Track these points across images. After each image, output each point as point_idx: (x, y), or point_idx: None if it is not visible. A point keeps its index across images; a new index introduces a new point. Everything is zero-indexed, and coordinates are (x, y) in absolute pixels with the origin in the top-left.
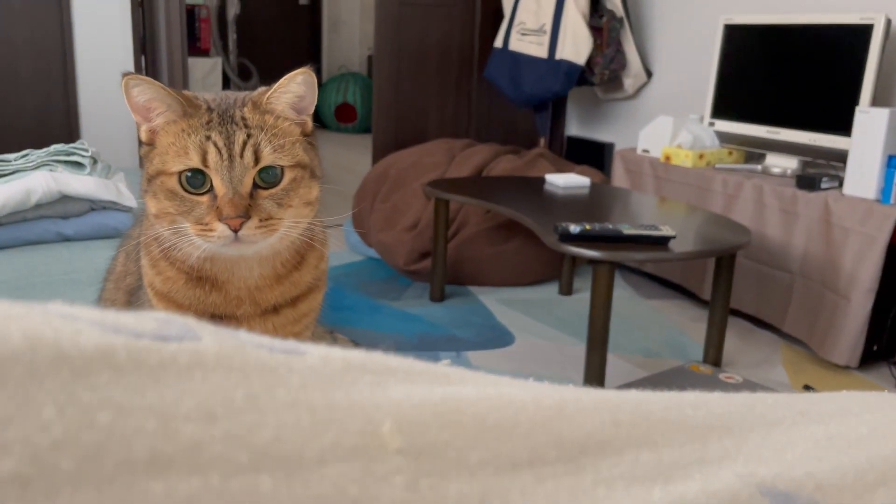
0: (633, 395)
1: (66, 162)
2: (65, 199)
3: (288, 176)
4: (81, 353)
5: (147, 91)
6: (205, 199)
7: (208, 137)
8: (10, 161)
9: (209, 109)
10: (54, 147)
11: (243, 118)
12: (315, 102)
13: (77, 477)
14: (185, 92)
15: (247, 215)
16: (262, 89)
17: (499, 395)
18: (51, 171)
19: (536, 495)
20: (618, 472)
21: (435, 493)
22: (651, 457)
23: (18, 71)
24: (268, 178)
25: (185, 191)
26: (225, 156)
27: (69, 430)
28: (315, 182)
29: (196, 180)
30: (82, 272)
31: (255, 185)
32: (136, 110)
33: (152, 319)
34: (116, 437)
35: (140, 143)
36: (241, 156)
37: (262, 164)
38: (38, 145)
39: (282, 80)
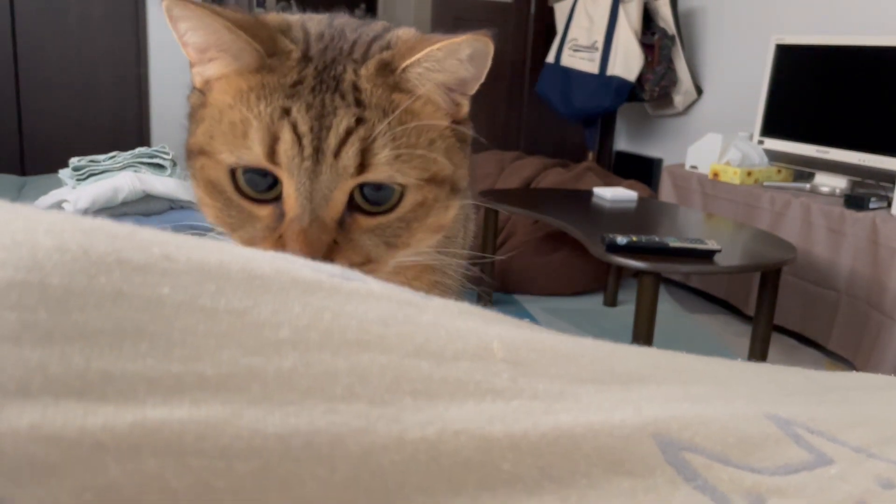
0: (672, 352)
1: (148, 164)
2: (148, 197)
3: (411, 198)
4: (304, 279)
5: (199, 31)
6: (265, 211)
7: (286, 112)
8: (99, 161)
9: (304, 59)
10: (139, 150)
11: (355, 87)
12: (482, 79)
13: (320, 347)
14: (271, 20)
15: (328, 257)
16: (403, 41)
17: (569, 338)
18: (135, 171)
19: (597, 397)
20: (655, 395)
21: (527, 386)
22: (680, 389)
23: (98, 80)
24: (376, 196)
25: (239, 193)
26: (308, 148)
27: (312, 319)
28: (455, 199)
29: (257, 181)
30: None
31: (353, 206)
32: (186, 46)
33: (337, 267)
34: (337, 327)
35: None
36: (337, 154)
37: (371, 176)
38: (113, 148)
39: (436, 47)
